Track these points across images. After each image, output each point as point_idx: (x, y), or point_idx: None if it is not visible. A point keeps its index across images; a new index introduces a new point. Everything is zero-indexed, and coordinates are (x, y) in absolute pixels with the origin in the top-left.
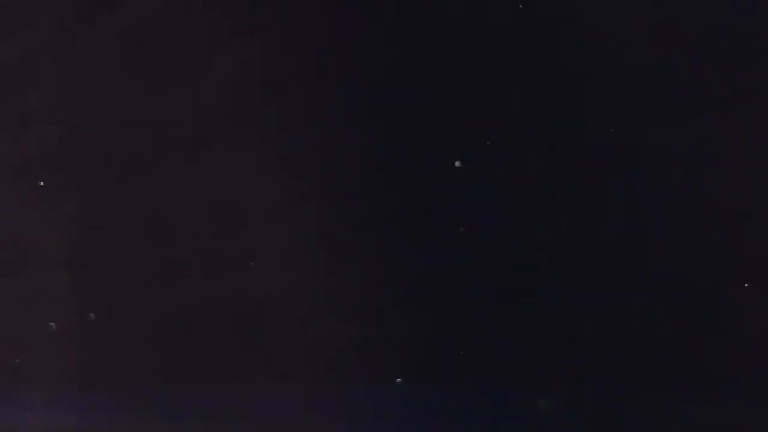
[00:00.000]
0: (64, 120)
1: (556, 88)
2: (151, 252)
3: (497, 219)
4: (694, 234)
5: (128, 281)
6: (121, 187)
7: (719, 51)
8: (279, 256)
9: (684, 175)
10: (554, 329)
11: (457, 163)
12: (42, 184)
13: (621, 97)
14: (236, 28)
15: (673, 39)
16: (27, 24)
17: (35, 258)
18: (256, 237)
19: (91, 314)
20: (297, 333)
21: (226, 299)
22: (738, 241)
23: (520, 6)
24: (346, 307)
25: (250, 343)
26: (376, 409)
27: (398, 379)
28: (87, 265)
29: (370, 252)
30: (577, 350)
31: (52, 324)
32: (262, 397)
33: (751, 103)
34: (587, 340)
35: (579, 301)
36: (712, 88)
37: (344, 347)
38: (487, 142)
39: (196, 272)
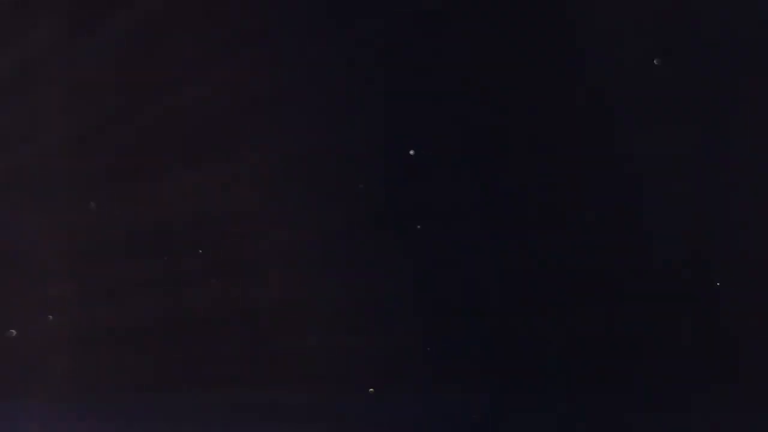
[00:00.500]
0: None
1: (558, 90)
2: (148, 259)
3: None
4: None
5: (125, 288)
6: (116, 192)
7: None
8: (273, 264)
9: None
10: (542, 337)
11: (411, 152)
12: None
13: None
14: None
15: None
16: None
17: (25, 264)
18: (250, 246)
19: (50, 316)
20: (292, 342)
21: (221, 307)
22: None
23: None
24: (341, 316)
25: (244, 352)
26: (375, 419)
27: (371, 389)
28: (82, 271)
29: (361, 259)
30: (563, 358)
31: (12, 331)
32: (259, 405)
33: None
34: (576, 347)
35: (567, 307)
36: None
37: (341, 356)
38: (481, 145)
39: (193, 279)
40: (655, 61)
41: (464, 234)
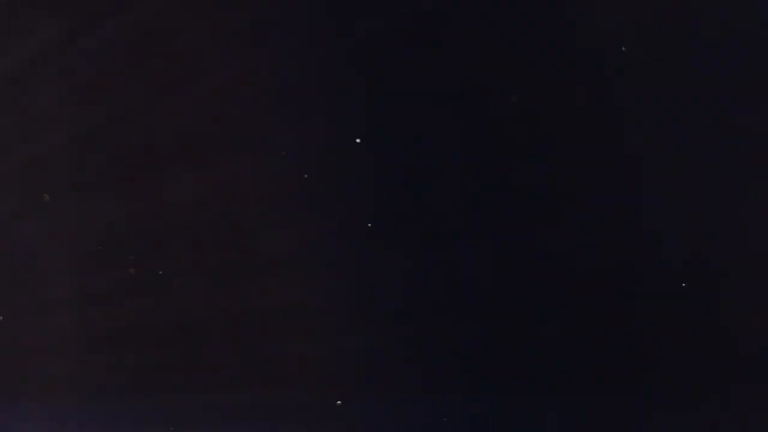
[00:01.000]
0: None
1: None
2: (152, 260)
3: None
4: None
5: (127, 290)
6: (120, 193)
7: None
8: (274, 267)
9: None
10: (542, 337)
11: (357, 140)
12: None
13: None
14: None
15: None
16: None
17: (30, 266)
18: (252, 248)
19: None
20: (291, 344)
21: (221, 309)
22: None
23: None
24: (339, 319)
25: (243, 354)
26: (375, 420)
27: (338, 402)
28: (86, 273)
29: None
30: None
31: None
32: (256, 407)
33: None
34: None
35: (568, 307)
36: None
37: (340, 358)
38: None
39: (194, 281)
40: (623, 48)
41: (464, 234)
